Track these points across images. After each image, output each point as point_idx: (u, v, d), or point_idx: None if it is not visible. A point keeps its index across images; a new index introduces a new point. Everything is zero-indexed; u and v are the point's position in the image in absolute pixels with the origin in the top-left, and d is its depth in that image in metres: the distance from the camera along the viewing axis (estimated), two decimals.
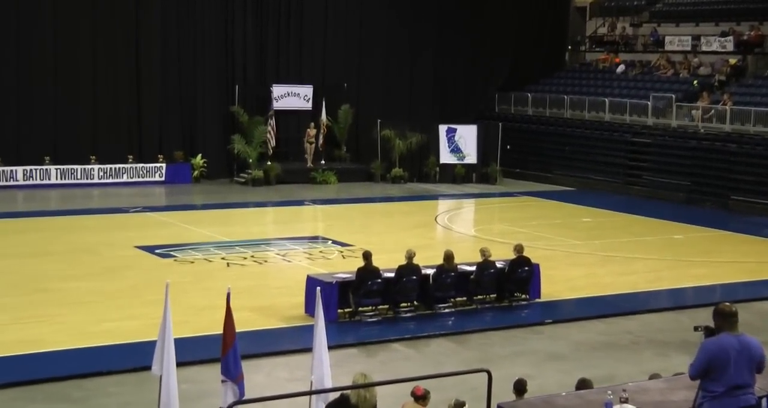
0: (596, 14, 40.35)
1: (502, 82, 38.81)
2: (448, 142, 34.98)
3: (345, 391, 8.92)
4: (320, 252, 21.73)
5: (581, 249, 22.91)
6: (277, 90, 33.76)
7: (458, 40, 37.36)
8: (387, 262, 16.72)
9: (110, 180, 31.20)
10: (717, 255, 22.84)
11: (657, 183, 32.20)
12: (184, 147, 33.08)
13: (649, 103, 33.66)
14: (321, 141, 33.65)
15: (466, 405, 9.21)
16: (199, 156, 32.83)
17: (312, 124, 33.61)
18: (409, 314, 16.58)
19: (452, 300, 17.05)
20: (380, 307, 16.44)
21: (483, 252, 17.09)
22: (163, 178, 32.04)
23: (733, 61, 34.30)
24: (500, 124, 35.48)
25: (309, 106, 34.34)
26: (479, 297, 17.33)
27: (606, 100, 35.16)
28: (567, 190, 33.57)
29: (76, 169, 30.83)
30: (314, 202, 29.59)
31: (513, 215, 28.51)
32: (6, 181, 29.76)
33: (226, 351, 9.38)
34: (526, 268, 17.46)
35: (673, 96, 33.43)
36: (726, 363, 7.05)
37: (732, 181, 30.16)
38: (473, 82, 38.13)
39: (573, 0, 40.92)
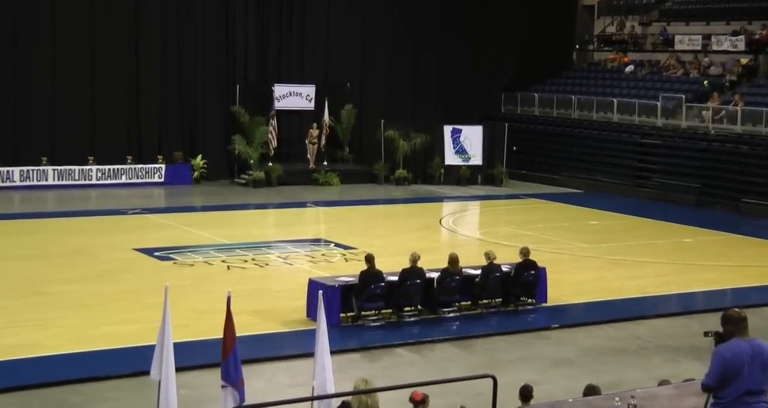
0: (604, 13, 40.21)
1: (509, 82, 38.67)
2: (453, 143, 34.82)
3: (346, 398, 8.89)
4: (322, 255, 21.66)
5: (589, 252, 22.82)
6: (279, 89, 33.53)
7: (463, 39, 37.18)
8: (390, 266, 16.68)
9: (108, 181, 30.97)
10: (727, 259, 22.73)
11: (666, 185, 31.97)
12: (183, 147, 32.89)
13: (658, 103, 33.45)
14: (323, 142, 33.47)
15: None
16: (199, 157, 32.65)
17: (314, 124, 33.44)
18: (413, 319, 16.55)
19: (457, 304, 16.99)
20: (383, 311, 16.38)
21: (488, 255, 17.06)
22: (162, 180, 31.84)
23: (744, 60, 34.13)
24: (506, 124, 35.32)
25: (311, 106, 34.17)
26: (484, 301, 17.26)
27: (614, 100, 34.96)
28: (574, 193, 33.45)
29: (74, 169, 30.61)
30: (316, 203, 29.49)
31: (519, 218, 28.42)
32: (2, 182, 29.54)
33: (226, 356, 9.35)
34: (533, 272, 17.37)
35: (683, 96, 33.22)
36: (740, 369, 6.97)
37: (743, 183, 29.92)
38: (478, 82, 37.98)
39: None
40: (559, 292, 18.21)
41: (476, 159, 34.80)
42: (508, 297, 17.36)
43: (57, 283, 18.12)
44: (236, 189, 32.03)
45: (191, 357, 13.07)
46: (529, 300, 17.61)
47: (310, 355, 10.14)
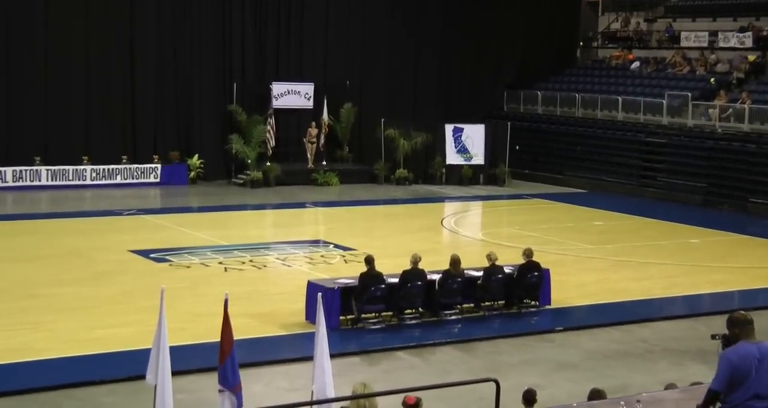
0: (609, 9, 40.34)
1: (511, 80, 38.61)
2: (455, 142, 34.71)
3: (344, 403, 8.93)
4: (321, 256, 21.64)
5: (593, 253, 22.76)
6: (277, 88, 33.34)
7: (465, 36, 37.10)
8: (391, 267, 16.63)
9: (103, 181, 30.81)
10: (735, 260, 22.64)
11: (672, 185, 31.88)
12: (180, 147, 32.73)
13: (664, 101, 33.39)
14: (322, 141, 33.37)
15: None
16: (196, 156, 32.52)
17: (313, 123, 33.33)
18: (413, 321, 16.51)
19: (459, 306, 16.95)
20: (384, 313, 16.37)
21: (490, 256, 17.02)
22: (158, 180, 31.69)
23: (752, 57, 34.12)
24: (509, 123, 35.24)
25: (310, 104, 34.03)
26: (487, 303, 17.22)
27: (619, 98, 34.89)
28: (578, 192, 33.40)
29: (68, 169, 30.41)
30: (315, 204, 29.46)
31: (522, 218, 28.33)
32: None
33: (223, 359, 9.33)
34: (536, 274, 17.31)
35: (689, 94, 33.13)
36: (748, 373, 6.96)
37: (750, 182, 29.80)
38: (480, 80, 37.92)
39: None
40: (563, 294, 18.15)
41: (478, 158, 34.69)
42: (511, 299, 17.31)
43: (51, 286, 18.07)
44: (234, 189, 32.01)
45: (188, 361, 13.04)
46: (533, 302, 17.56)
47: (309, 358, 10.10)
